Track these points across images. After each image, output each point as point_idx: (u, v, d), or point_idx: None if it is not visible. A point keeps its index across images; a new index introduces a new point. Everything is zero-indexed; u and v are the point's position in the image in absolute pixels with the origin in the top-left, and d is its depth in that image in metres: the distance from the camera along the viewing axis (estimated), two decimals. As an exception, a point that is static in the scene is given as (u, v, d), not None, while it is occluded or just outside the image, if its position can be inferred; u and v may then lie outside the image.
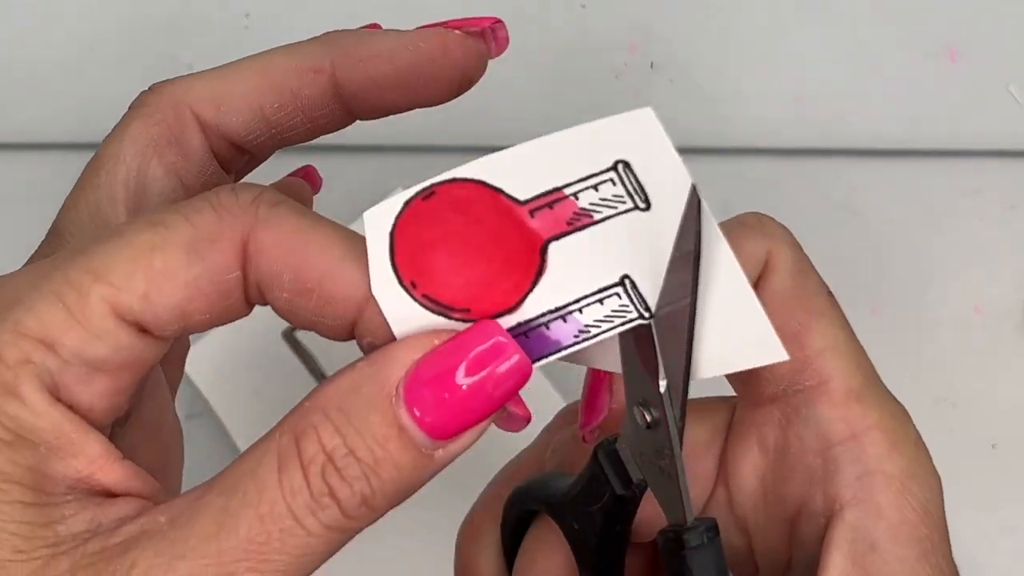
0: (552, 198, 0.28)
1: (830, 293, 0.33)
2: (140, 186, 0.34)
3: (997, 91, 0.61)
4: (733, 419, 0.34)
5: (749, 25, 0.62)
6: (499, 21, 0.36)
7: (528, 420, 0.29)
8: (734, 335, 0.29)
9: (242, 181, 0.38)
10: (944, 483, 0.32)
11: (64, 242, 0.34)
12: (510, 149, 0.28)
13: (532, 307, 0.29)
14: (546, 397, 0.53)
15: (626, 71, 0.61)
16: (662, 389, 0.29)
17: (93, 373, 0.28)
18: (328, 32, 0.36)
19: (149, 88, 0.36)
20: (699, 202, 0.27)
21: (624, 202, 0.28)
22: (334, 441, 0.27)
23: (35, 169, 0.58)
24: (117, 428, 0.30)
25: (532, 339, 0.29)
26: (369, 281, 0.28)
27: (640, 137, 0.28)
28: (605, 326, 0.29)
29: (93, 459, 0.28)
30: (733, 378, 0.34)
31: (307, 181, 0.41)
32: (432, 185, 0.28)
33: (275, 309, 0.29)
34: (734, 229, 0.31)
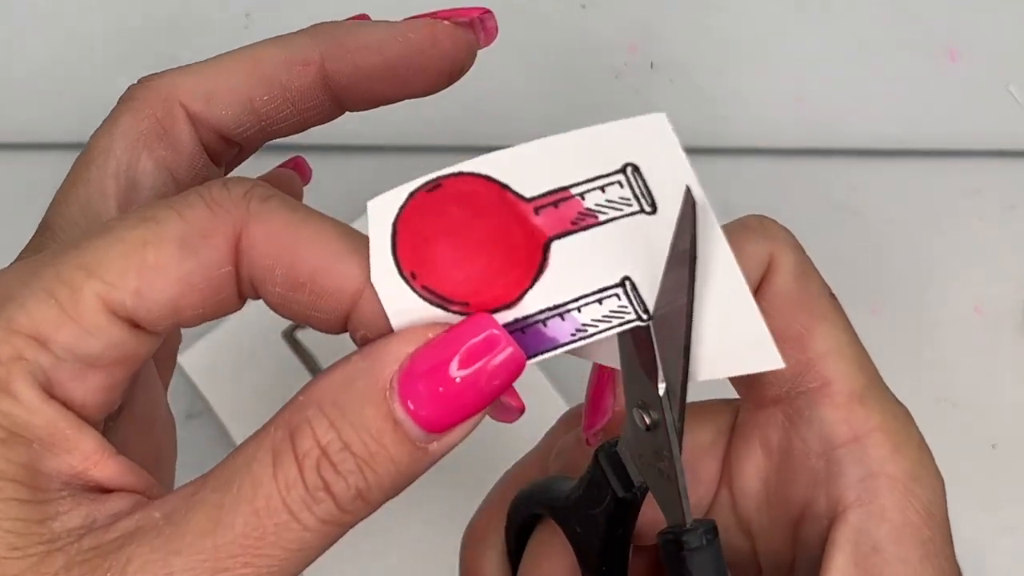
0: (558, 197, 0.28)
1: (833, 295, 0.33)
2: (130, 180, 0.34)
3: (997, 91, 0.61)
4: (736, 421, 0.34)
5: (749, 25, 0.62)
6: (488, 11, 0.36)
7: (522, 411, 0.29)
8: (732, 339, 0.29)
9: (232, 174, 0.38)
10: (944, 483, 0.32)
11: (55, 237, 0.33)
12: (518, 146, 0.28)
13: (531, 303, 0.29)
14: (548, 399, 0.53)
15: (626, 71, 0.61)
16: (661, 391, 0.29)
17: (86, 369, 0.28)
18: (316, 24, 0.36)
19: (138, 82, 0.35)
20: (694, 202, 0.27)
21: (630, 205, 0.28)
22: (329, 435, 0.27)
23: (35, 169, 0.58)
24: (109, 423, 0.30)
25: (529, 335, 0.29)
26: (362, 274, 0.28)
27: (651, 141, 0.28)
28: (603, 326, 0.29)
29: (87, 455, 0.28)
30: (736, 380, 0.34)
31: (297, 172, 0.41)
32: (438, 177, 0.28)
33: (268, 303, 0.29)
34: (736, 231, 0.31)
